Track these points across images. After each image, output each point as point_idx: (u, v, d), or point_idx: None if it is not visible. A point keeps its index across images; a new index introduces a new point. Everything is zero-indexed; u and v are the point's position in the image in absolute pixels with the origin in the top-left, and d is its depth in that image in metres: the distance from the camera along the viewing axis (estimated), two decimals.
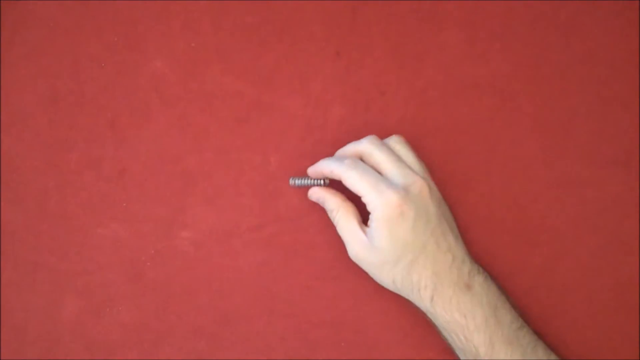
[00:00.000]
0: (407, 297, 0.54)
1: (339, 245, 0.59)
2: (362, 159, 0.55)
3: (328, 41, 0.62)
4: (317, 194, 0.57)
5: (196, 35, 0.62)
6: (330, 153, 0.60)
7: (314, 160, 0.60)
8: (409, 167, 0.54)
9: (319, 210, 0.60)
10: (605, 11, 0.62)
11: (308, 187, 0.59)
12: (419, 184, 0.52)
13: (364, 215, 0.54)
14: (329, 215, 0.57)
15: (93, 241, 0.59)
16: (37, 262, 0.60)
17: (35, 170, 0.61)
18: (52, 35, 0.62)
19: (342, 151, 0.57)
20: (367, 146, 0.55)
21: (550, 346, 0.56)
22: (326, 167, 0.55)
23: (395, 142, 0.55)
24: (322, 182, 0.58)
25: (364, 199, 0.53)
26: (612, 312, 0.59)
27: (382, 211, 0.51)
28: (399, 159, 0.54)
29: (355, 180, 0.53)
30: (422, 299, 0.52)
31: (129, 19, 0.62)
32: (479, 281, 0.53)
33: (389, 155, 0.54)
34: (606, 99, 0.61)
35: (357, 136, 0.60)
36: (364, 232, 0.54)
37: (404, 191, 0.52)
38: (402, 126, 0.60)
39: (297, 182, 0.59)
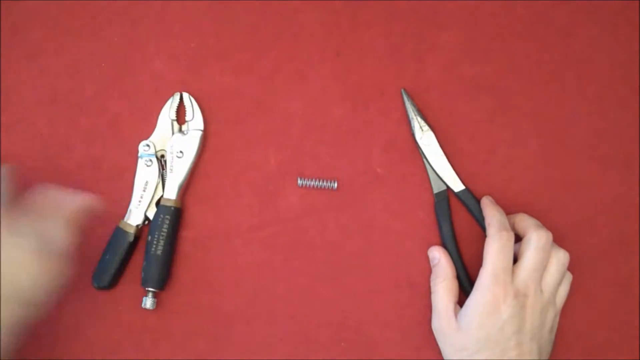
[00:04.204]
0: None
1: (339, 245, 0.59)
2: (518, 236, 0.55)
3: (328, 41, 0.62)
4: (436, 253, 0.57)
5: (196, 35, 0.62)
6: (330, 153, 0.60)
7: (314, 160, 0.60)
8: (541, 280, 0.53)
9: (319, 211, 0.60)
10: (605, 11, 0.62)
11: (315, 188, 0.59)
12: (532, 299, 0.52)
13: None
14: (432, 278, 0.57)
15: (93, 241, 0.59)
16: None
17: (35, 170, 0.61)
18: (52, 35, 0.62)
19: (520, 217, 0.57)
20: (527, 242, 0.54)
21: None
22: (490, 213, 0.56)
23: (557, 259, 0.54)
24: (330, 184, 0.59)
25: (481, 270, 0.53)
26: (612, 312, 0.59)
27: (483, 296, 0.52)
28: (539, 268, 0.53)
29: (491, 250, 0.53)
30: None
31: (129, 19, 0.62)
32: None
33: (536, 261, 0.53)
34: (606, 99, 0.61)
35: (357, 136, 0.60)
36: (456, 312, 0.54)
37: (515, 292, 0.52)
38: (401, 126, 0.60)
39: (306, 182, 0.59)
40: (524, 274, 0.53)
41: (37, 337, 0.59)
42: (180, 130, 0.60)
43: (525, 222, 0.56)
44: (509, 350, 0.52)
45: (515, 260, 0.54)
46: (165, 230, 0.57)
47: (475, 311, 0.52)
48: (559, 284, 0.55)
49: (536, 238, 0.53)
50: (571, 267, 0.56)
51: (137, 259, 0.59)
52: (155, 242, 0.57)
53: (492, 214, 0.56)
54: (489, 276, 0.52)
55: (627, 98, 0.61)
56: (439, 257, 0.57)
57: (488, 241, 0.54)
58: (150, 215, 0.59)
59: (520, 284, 0.52)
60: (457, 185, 0.59)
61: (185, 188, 0.59)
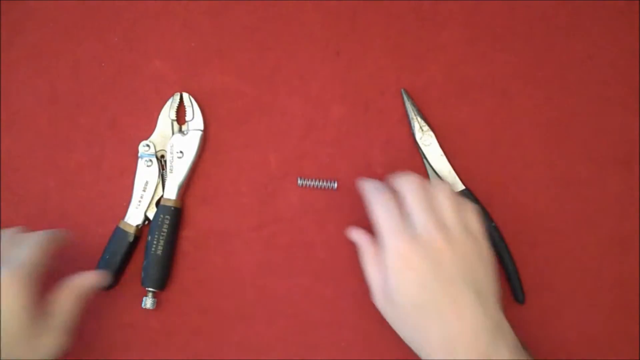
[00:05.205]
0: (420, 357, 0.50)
1: (338, 245, 0.59)
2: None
3: (328, 41, 0.62)
4: (355, 235, 0.54)
5: (196, 35, 0.62)
6: (330, 153, 0.60)
7: (314, 160, 0.60)
8: (438, 219, 0.49)
9: (319, 210, 0.60)
10: (605, 11, 0.62)
11: (315, 188, 0.59)
12: (439, 240, 0.48)
13: None
14: (363, 260, 0.53)
15: (93, 241, 0.59)
16: None
17: (35, 170, 0.61)
18: (52, 35, 0.62)
19: (391, 176, 0.53)
20: (402, 188, 0.51)
21: (551, 346, 0.56)
22: (367, 190, 0.53)
23: (439, 190, 0.51)
24: (330, 184, 0.59)
25: (378, 238, 0.50)
26: (612, 312, 0.59)
27: (389, 258, 0.49)
28: (427, 207, 0.50)
29: (377, 218, 0.50)
30: None
31: (129, 19, 0.62)
32: (502, 356, 0.47)
33: (419, 201, 0.50)
34: (606, 99, 0.61)
35: (357, 136, 0.60)
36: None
37: (417, 242, 0.48)
38: (402, 126, 0.60)
39: (306, 182, 0.59)
40: (416, 220, 0.49)
41: None
42: (180, 130, 0.60)
43: (395, 177, 0.52)
44: (442, 297, 0.48)
45: None
46: (165, 230, 0.57)
47: (393, 276, 0.49)
48: (458, 212, 0.50)
49: (405, 181, 0.51)
50: (571, 266, 0.56)
51: (137, 259, 0.59)
52: (155, 242, 0.57)
53: (366, 188, 0.53)
54: (386, 236, 0.49)
55: (627, 98, 0.61)
56: (362, 238, 0.53)
57: (370, 209, 0.51)
58: (150, 215, 0.59)
59: (420, 230, 0.49)
60: (457, 185, 0.59)
61: (185, 188, 0.59)
